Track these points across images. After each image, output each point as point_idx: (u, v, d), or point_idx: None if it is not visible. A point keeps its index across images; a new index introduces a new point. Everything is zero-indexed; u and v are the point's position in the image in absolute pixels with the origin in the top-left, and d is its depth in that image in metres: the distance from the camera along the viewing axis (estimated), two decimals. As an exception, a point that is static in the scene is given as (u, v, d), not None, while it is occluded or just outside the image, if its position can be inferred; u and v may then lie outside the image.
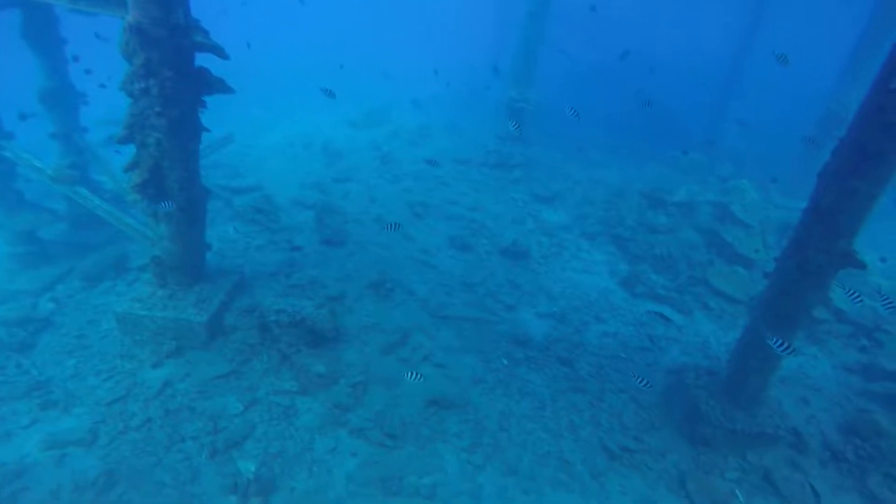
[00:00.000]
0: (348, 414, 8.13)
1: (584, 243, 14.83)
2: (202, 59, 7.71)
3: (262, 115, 23.15)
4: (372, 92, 26.14)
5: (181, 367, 8.26)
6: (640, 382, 7.59)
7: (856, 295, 7.89)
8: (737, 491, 7.69)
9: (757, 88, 26.67)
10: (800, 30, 38.17)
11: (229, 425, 7.59)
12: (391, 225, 9.52)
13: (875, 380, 10.15)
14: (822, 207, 6.93)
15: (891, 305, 7.69)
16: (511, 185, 17.00)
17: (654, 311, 11.83)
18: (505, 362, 9.79)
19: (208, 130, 8.35)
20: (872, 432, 8.58)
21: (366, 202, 14.56)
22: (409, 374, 7.42)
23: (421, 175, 16.63)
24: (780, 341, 6.91)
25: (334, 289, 10.37)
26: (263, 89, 26.42)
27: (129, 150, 7.79)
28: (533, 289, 12.34)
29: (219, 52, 7.51)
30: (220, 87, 7.97)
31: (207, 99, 8.02)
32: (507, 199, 16.21)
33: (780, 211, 16.51)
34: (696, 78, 27.28)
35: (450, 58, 32.49)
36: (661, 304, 12.70)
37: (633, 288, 12.99)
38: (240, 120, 22.01)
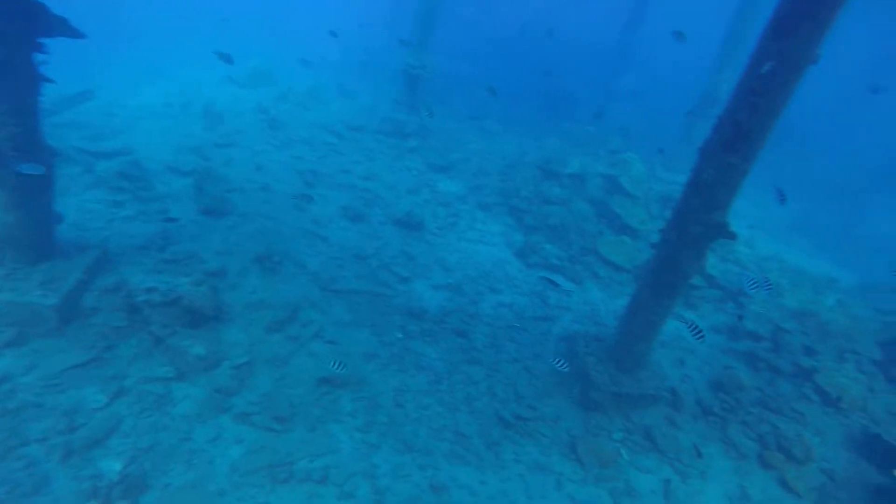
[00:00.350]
0: (232, 398, 7.51)
1: (480, 214, 14.86)
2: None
3: (136, 70, 20.68)
4: (258, 50, 24.28)
5: (24, 358, 7.12)
6: (558, 364, 7.69)
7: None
8: (621, 450, 8.10)
9: (644, 66, 28.09)
10: (682, 13, 40.68)
11: (89, 421, 6.69)
12: (301, 196, 8.84)
13: (739, 339, 11.14)
14: (701, 181, 7.27)
15: (755, 284, 8.31)
16: (407, 153, 16.60)
17: (544, 277, 12.14)
18: (399, 336, 9.56)
19: (52, 81, 7.12)
20: (735, 387, 9.40)
21: (251, 170, 13.49)
22: (334, 363, 7.21)
23: (312, 141, 15.73)
24: (694, 327, 7.29)
25: (215, 263, 9.49)
26: (139, 41, 23.73)
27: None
28: (428, 260, 12.16)
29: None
30: (62, 29, 6.78)
31: (62, 48, 6.81)
32: (403, 168, 15.81)
33: (662, 184, 17.55)
34: (590, 54, 28.24)
35: (345, 18, 31.08)
36: (554, 273, 13.06)
37: (528, 258, 13.23)
38: (110, 74, 19.56)
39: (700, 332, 7.28)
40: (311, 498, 6.61)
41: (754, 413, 9.04)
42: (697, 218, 7.42)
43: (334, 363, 7.38)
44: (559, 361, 7.73)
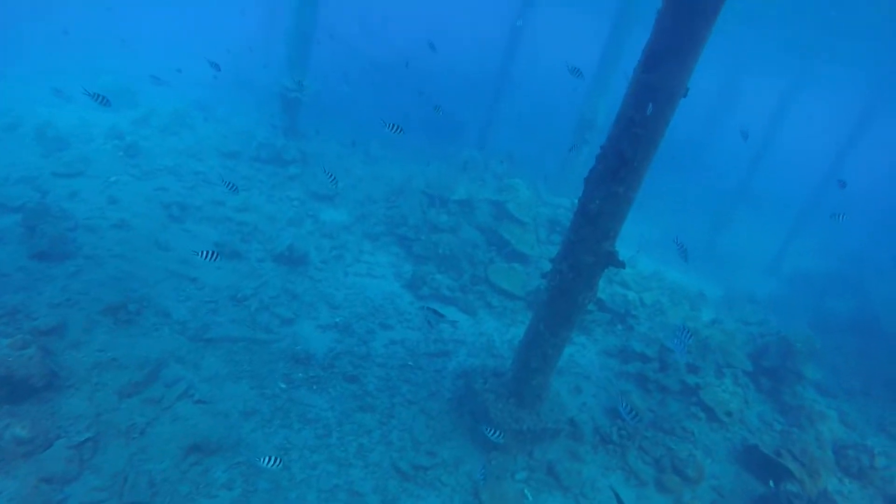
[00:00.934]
0: (68, 487, 6.16)
1: (367, 244, 14.22)
2: None
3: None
4: (109, 65, 21.97)
5: None
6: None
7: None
8: (525, 491, 7.76)
9: (522, 93, 29.20)
10: (557, 40, 43.28)
11: None
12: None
13: (629, 361, 11.42)
14: (589, 211, 7.23)
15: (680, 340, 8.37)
16: (287, 181, 15.57)
17: (427, 308, 11.81)
18: (283, 386, 8.62)
19: None
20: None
21: (103, 203, 11.77)
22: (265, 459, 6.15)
23: (179, 171, 14.20)
24: (630, 409, 7.19)
25: (50, 319, 7.93)
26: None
27: None
28: (313, 298, 11.29)
29: None
30: None
31: None
32: (283, 197, 14.77)
33: (549, 208, 18.00)
34: (472, 79, 28.87)
35: (205, 34, 29.31)
36: (446, 304, 12.72)
37: (419, 290, 12.79)
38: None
39: (637, 415, 7.28)
40: None
41: (649, 437, 9.18)
42: (588, 248, 7.37)
43: None
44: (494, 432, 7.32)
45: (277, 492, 6.94)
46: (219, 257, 11.37)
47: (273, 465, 6.29)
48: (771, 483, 8.67)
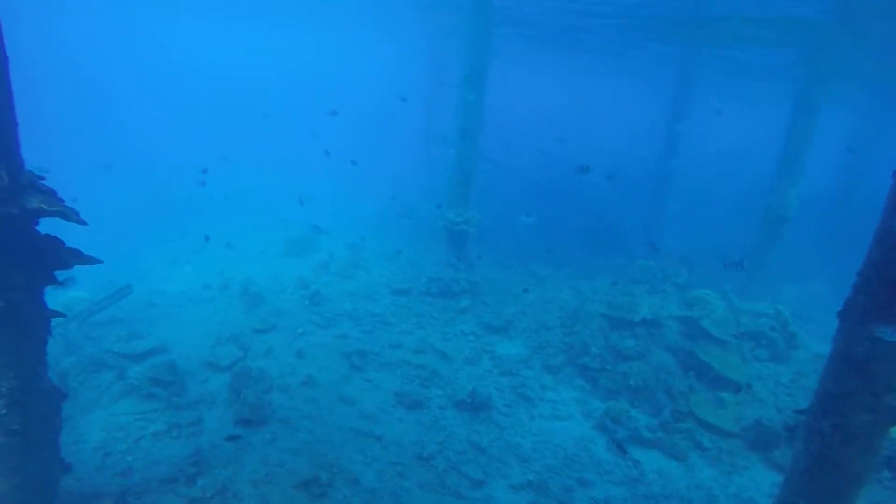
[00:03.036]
0: None
1: (548, 379, 13.05)
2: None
3: (176, 250, 20.83)
4: (291, 211, 24.63)
5: None
6: None
7: None
8: None
9: (686, 188, 27.40)
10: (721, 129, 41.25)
11: None
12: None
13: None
14: (854, 357, 5.55)
15: None
16: (459, 315, 15.28)
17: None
18: (484, 576, 7.45)
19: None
20: None
21: (292, 358, 12.26)
22: None
23: (357, 314, 14.63)
24: None
25: (251, 500, 7.83)
26: (174, 218, 24.41)
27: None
28: (501, 451, 10.23)
29: (70, 215, 5.57)
30: (76, 258, 5.94)
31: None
32: (457, 333, 14.39)
33: (745, 317, 15.60)
34: (628, 180, 27.81)
35: (370, 171, 32.10)
36: (648, 448, 10.92)
37: (614, 432, 11.15)
38: (150, 258, 19.67)
39: None
40: None
41: None
42: (861, 403, 5.57)
43: None
44: None
45: None
46: (400, 408, 11.08)
47: None
48: None
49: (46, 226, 5.72)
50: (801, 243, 20.89)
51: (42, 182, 5.54)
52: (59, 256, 5.75)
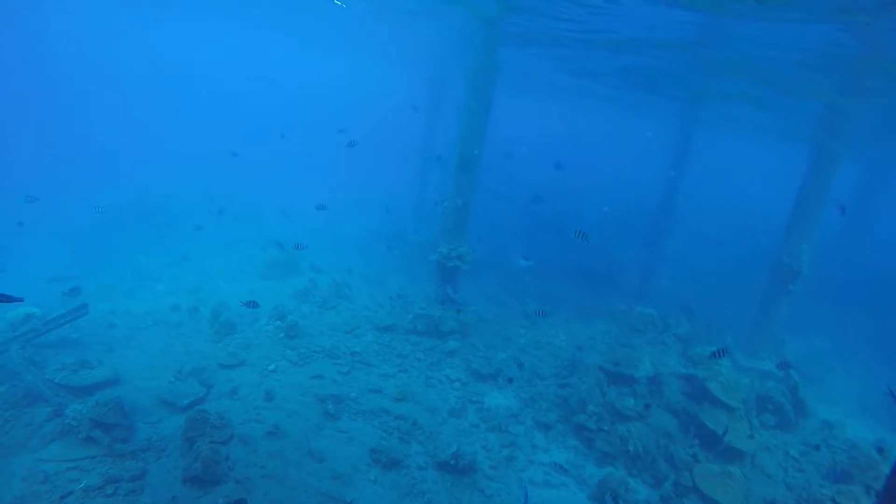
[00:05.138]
0: None
1: (540, 437, 11.93)
2: None
3: (148, 263, 19.46)
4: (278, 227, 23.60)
5: None
6: None
7: None
8: None
9: (686, 231, 26.75)
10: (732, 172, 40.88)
11: None
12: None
13: None
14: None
15: None
16: (445, 357, 14.13)
17: None
18: None
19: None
20: None
21: (260, 401, 11.00)
22: None
23: (336, 352, 13.40)
24: None
25: (189, 588, 6.60)
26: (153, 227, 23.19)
27: None
28: (487, 525, 9.07)
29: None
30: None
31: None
32: (442, 378, 13.22)
33: (749, 377, 14.65)
34: (626, 218, 27.11)
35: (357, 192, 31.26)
36: (650, 528, 9.78)
37: (612, 508, 10.03)
38: (120, 270, 18.31)
39: None
40: None
41: None
42: None
43: None
44: None
45: None
46: (375, 468, 9.87)
47: None
48: None
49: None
50: (800, 294, 20.25)
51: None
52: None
